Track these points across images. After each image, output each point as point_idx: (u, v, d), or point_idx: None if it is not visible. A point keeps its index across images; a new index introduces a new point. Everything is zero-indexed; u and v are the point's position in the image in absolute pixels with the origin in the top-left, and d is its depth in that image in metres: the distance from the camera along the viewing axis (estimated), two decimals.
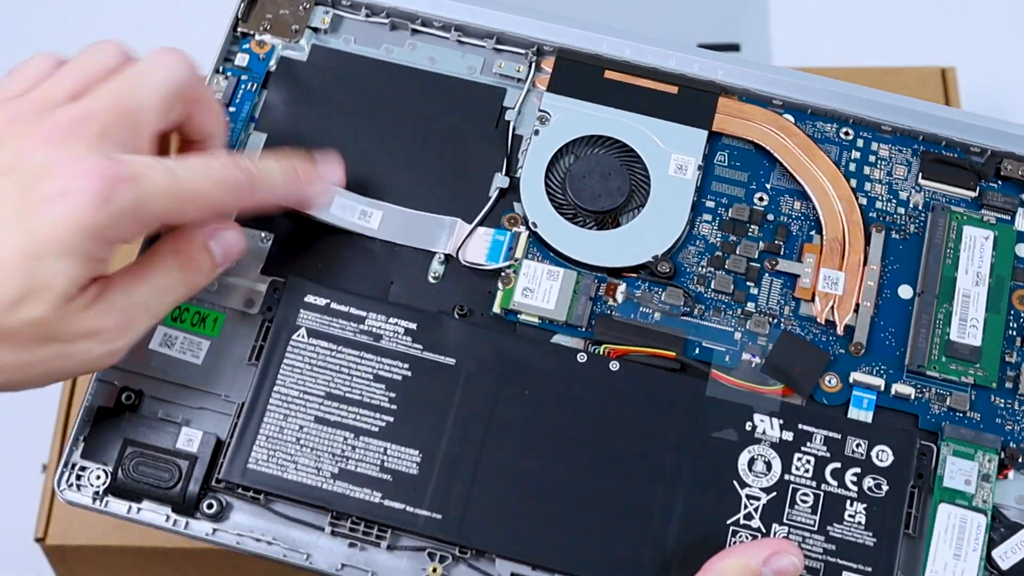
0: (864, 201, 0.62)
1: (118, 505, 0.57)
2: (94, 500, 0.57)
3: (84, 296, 0.51)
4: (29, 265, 0.49)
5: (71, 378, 0.53)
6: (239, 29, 0.65)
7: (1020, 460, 0.58)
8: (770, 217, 0.62)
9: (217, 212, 0.56)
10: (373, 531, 0.56)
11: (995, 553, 0.56)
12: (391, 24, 0.65)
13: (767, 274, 0.61)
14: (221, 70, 0.64)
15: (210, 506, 0.56)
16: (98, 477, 0.57)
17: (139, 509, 0.57)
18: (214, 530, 0.56)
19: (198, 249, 0.56)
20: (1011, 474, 0.58)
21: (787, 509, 0.56)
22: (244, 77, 0.64)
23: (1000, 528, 0.57)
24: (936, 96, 0.91)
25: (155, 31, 0.84)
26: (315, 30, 0.65)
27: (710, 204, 0.62)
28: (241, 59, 0.64)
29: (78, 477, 0.57)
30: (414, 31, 0.65)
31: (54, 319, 0.50)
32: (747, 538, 0.55)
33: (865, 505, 0.56)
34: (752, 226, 0.62)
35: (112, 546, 0.83)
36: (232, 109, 0.63)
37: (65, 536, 0.83)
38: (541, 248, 0.61)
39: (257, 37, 0.65)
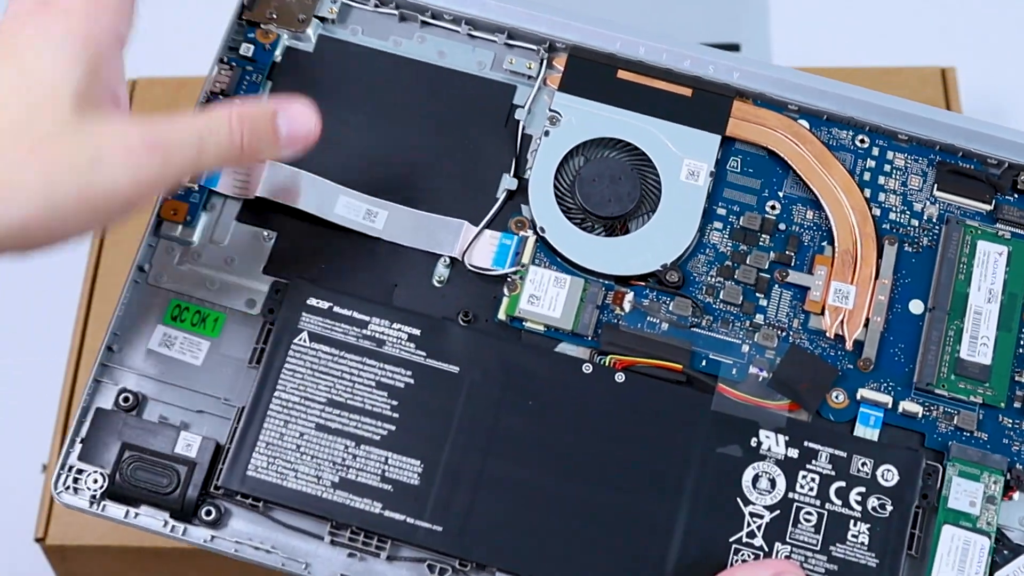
0: (878, 212, 0.61)
1: (115, 509, 0.56)
2: (91, 504, 0.56)
3: (107, 110, 0.50)
4: (22, 79, 0.49)
5: (103, 211, 0.50)
6: (244, 17, 0.63)
7: None
8: (782, 226, 0.61)
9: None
10: (373, 542, 0.55)
11: (998, 575, 0.56)
12: (400, 15, 0.64)
13: (777, 285, 0.60)
14: (225, 60, 0.62)
15: (208, 513, 0.56)
16: (95, 480, 0.56)
17: (136, 514, 0.56)
18: (212, 537, 0.56)
19: (258, 113, 0.53)
20: (1016, 496, 0.57)
21: (790, 528, 0.56)
22: (249, 68, 0.62)
23: (1003, 551, 0.56)
24: (936, 96, 0.90)
25: (159, 18, 0.82)
26: (322, 20, 0.63)
27: (721, 211, 0.61)
28: (246, 49, 0.62)
29: (75, 480, 0.56)
30: (424, 23, 0.64)
31: (71, 129, 0.49)
32: (749, 557, 0.55)
33: (869, 525, 0.56)
34: (763, 235, 0.61)
35: (112, 546, 0.83)
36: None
37: (65, 536, 0.83)
38: (548, 254, 0.60)
39: (263, 26, 0.63)
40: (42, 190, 0.48)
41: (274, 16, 0.63)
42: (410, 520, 0.55)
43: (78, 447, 0.56)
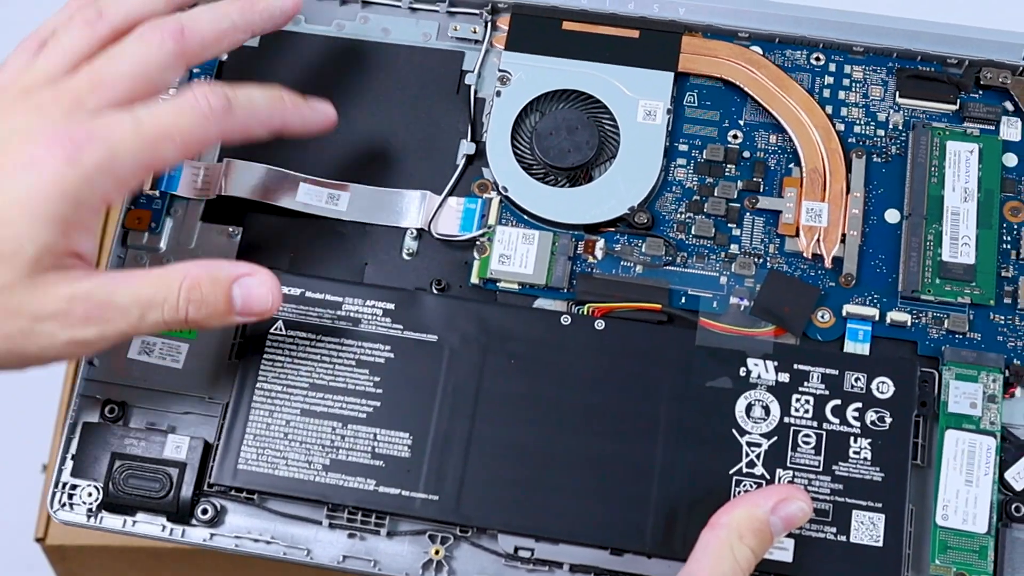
0: (842, 127, 0.60)
1: (112, 520, 0.56)
2: (88, 517, 0.56)
3: (59, 272, 0.50)
4: None
5: (31, 365, 0.52)
6: None
7: None
8: (746, 154, 0.60)
9: (199, 144, 0.54)
10: (371, 519, 0.55)
11: (1008, 475, 0.55)
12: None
13: (748, 213, 0.59)
14: None
15: (205, 511, 0.56)
16: (90, 494, 0.56)
17: (134, 522, 0.56)
18: (211, 535, 0.56)
19: (212, 283, 0.53)
20: (1018, 392, 0.56)
21: (790, 453, 0.55)
22: (197, 70, 0.62)
23: (1011, 448, 0.55)
24: None
25: None
26: None
27: (683, 148, 0.60)
28: None
29: (70, 496, 0.56)
30: (364, 3, 0.64)
31: (21, 287, 0.50)
32: (751, 487, 0.54)
33: (869, 440, 0.55)
34: (728, 165, 0.60)
35: (112, 546, 0.83)
36: None
37: (65, 536, 0.83)
38: (514, 212, 0.59)
39: None
40: None
41: None
42: (405, 493, 0.55)
43: (69, 463, 0.56)
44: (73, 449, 0.57)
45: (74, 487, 0.56)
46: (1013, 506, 0.54)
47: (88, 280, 0.51)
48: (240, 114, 0.55)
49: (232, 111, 0.54)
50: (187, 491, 0.55)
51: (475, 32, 0.63)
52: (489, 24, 0.63)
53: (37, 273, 0.50)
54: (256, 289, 0.53)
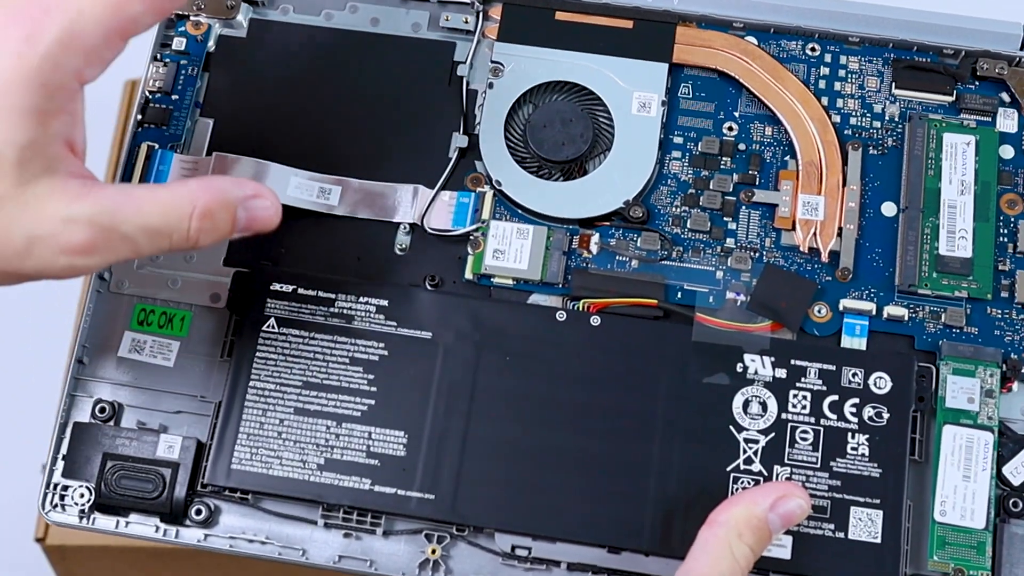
0: (838, 119, 0.59)
1: (105, 521, 0.55)
2: (80, 518, 0.55)
3: (51, 178, 0.46)
4: None
5: (28, 281, 0.48)
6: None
7: (1023, 372, 0.56)
8: (741, 147, 0.59)
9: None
10: (367, 519, 0.55)
11: (1006, 469, 0.55)
12: None
13: (744, 207, 0.59)
14: (159, 57, 0.61)
15: (199, 512, 0.55)
16: (82, 495, 0.55)
17: (127, 523, 0.55)
18: (206, 536, 0.55)
19: (222, 208, 0.50)
20: (1015, 386, 0.56)
21: (787, 449, 0.54)
22: (184, 62, 0.61)
23: (1009, 443, 0.55)
24: None
25: None
26: (252, 3, 0.62)
27: (678, 140, 0.60)
28: (179, 43, 0.62)
29: (62, 497, 0.56)
30: None
31: (11, 200, 0.45)
32: (749, 483, 0.54)
33: (867, 436, 0.54)
34: (724, 158, 0.59)
35: (112, 546, 0.83)
36: (175, 97, 0.61)
37: (65, 536, 0.83)
38: (508, 206, 0.59)
39: (192, 18, 0.62)
40: None
41: (203, 6, 0.62)
42: (401, 492, 0.54)
43: (60, 464, 0.56)
44: (64, 449, 0.56)
45: (66, 488, 0.56)
46: (1011, 501, 0.54)
47: (89, 199, 0.47)
48: None
49: None
50: (180, 491, 0.55)
51: (467, 22, 0.62)
52: (481, 14, 0.62)
53: (25, 181, 0.46)
54: (261, 212, 0.51)
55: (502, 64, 0.60)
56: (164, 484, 0.55)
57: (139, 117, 0.60)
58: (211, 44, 0.62)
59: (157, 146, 0.59)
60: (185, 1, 0.52)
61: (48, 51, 0.46)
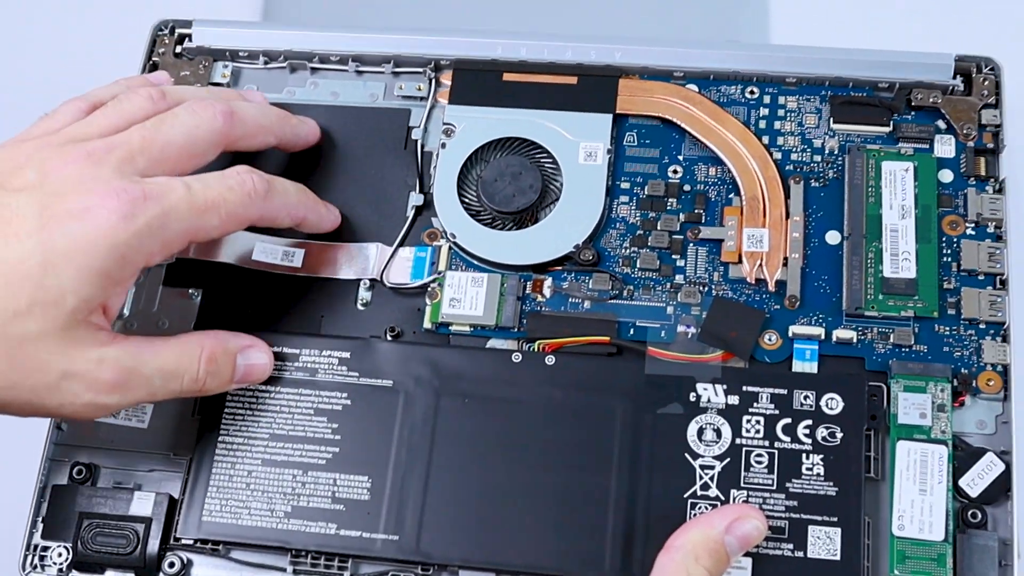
0: (779, 155, 0.61)
1: None
2: None
3: (89, 329, 0.52)
4: (41, 276, 0.50)
5: (49, 417, 0.56)
6: None
7: (974, 385, 0.56)
8: (687, 188, 0.61)
9: (238, 220, 0.56)
10: (334, 563, 0.56)
11: (962, 482, 0.55)
12: (290, 67, 0.66)
13: (691, 244, 0.60)
14: None
15: (172, 565, 0.56)
16: (60, 555, 0.57)
17: None
18: None
19: (224, 355, 0.56)
20: (967, 400, 0.56)
21: (743, 473, 0.55)
22: None
23: (963, 456, 0.55)
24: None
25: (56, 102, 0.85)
26: (217, 86, 0.66)
27: (625, 185, 0.62)
28: None
29: (41, 558, 0.57)
30: (313, 70, 0.66)
31: (54, 339, 0.50)
32: (707, 508, 0.55)
33: (821, 456, 0.55)
34: (670, 199, 0.61)
35: None
36: None
37: None
38: (463, 257, 0.61)
39: None
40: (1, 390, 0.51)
41: None
42: (366, 535, 0.55)
43: (40, 526, 0.58)
44: (43, 512, 0.58)
45: (45, 549, 0.57)
46: (969, 512, 0.54)
47: (116, 345, 0.52)
48: (276, 200, 0.57)
49: (270, 195, 0.57)
50: (153, 546, 0.56)
51: (420, 89, 0.65)
52: (433, 81, 0.65)
53: (71, 326, 0.51)
54: (257, 360, 0.57)
55: (454, 125, 0.63)
56: (138, 539, 0.56)
57: None
58: None
59: None
60: (248, 223, 0.57)
61: (137, 232, 0.51)
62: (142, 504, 0.57)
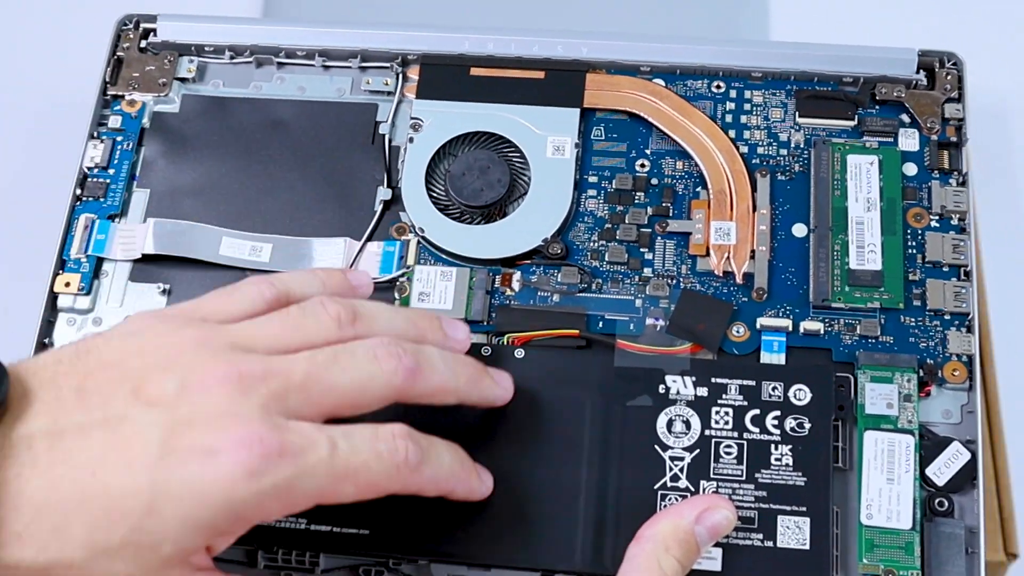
0: (745, 149, 0.62)
1: None
2: None
3: (186, 571, 0.45)
4: (143, 517, 0.44)
5: None
6: (108, 92, 0.65)
7: (940, 375, 0.57)
8: (654, 181, 0.62)
9: (376, 491, 0.49)
10: (306, 557, 0.56)
11: (929, 471, 0.55)
12: (256, 61, 0.66)
13: (659, 237, 0.61)
14: (96, 135, 0.64)
15: None
16: None
17: None
18: None
19: None
20: (933, 390, 0.57)
21: (712, 464, 0.55)
22: (119, 138, 0.64)
23: (930, 445, 0.56)
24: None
25: (25, 97, 0.84)
26: (183, 80, 0.66)
27: (593, 179, 0.62)
28: (114, 121, 0.65)
29: None
30: (280, 64, 0.66)
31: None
32: (677, 500, 0.55)
33: (790, 446, 0.55)
34: (638, 193, 0.62)
35: None
36: (111, 171, 0.64)
37: None
38: (432, 252, 0.61)
39: (127, 97, 0.65)
40: None
41: (137, 86, 0.65)
42: (336, 529, 0.55)
43: None
44: None
45: None
46: (936, 501, 0.55)
47: None
48: (426, 473, 0.50)
49: (421, 467, 0.49)
50: None
51: (387, 84, 0.65)
52: (400, 75, 0.65)
53: (161, 571, 0.45)
54: None
55: (421, 120, 0.63)
56: None
57: (78, 192, 0.63)
58: (145, 120, 0.65)
59: (96, 218, 0.62)
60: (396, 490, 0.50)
61: (260, 491, 0.45)
62: None
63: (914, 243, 0.59)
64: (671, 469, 0.55)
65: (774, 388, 0.56)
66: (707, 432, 0.56)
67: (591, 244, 0.61)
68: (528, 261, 0.60)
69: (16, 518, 0.43)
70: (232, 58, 0.66)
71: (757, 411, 0.56)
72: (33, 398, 0.45)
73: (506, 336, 0.58)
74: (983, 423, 0.61)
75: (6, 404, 0.44)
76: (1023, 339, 0.73)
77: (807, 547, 0.54)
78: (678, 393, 0.56)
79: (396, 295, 0.60)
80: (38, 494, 0.43)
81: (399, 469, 0.48)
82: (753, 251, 0.60)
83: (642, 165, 0.62)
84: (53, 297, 0.61)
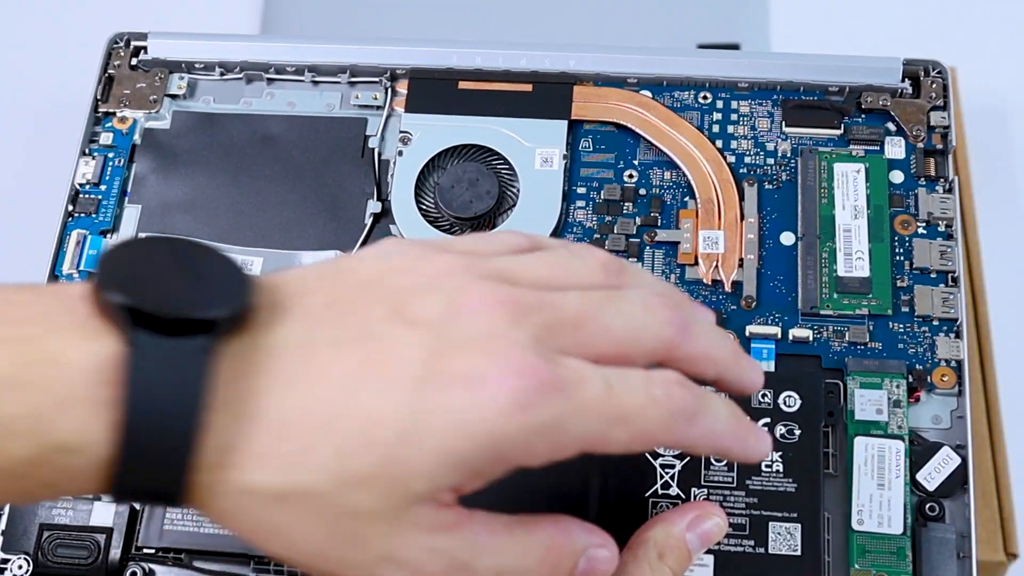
0: (732, 159, 0.62)
1: None
2: None
3: (434, 510, 0.40)
4: (397, 446, 0.39)
5: None
6: (100, 110, 0.66)
7: (929, 381, 0.57)
8: (642, 192, 0.62)
9: (648, 442, 0.43)
10: (297, 571, 0.55)
11: (920, 476, 0.56)
12: (247, 78, 0.66)
13: (648, 247, 0.61)
14: (87, 152, 0.65)
15: (134, 574, 0.56)
16: (20, 567, 0.57)
17: None
18: None
19: (569, 555, 0.44)
20: (923, 395, 0.57)
21: (703, 471, 0.56)
22: (111, 155, 0.65)
23: (920, 450, 0.56)
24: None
25: (16, 115, 0.85)
26: (174, 97, 0.66)
27: (581, 190, 0.62)
28: (106, 138, 0.65)
29: (1, 571, 0.57)
30: (269, 80, 0.66)
31: (386, 518, 0.40)
32: (668, 507, 0.55)
33: (781, 453, 0.56)
34: (626, 203, 0.62)
35: None
36: (103, 187, 0.64)
37: None
38: None
39: (118, 114, 0.66)
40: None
41: (128, 103, 0.66)
42: None
43: (0, 539, 0.57)
44: (2, 524, 0.57)
45: (5, 561, 0.57)
46: (927, 506, 0.55)
47: (455, 532, 0.41)
48: (702, 426, 0.44)
49: (697, 419, 0.43)
50: (115, 556, 0.56)
51: (376, 98, 0.65)
52: (389, 90, 0.65)
53: (410, 507, 0.40)
54: (601, 565, 0.45)
55: (410, 133, 0.64)
56: (99, 550, 0.56)
57: (70, 208, 0.63)
58: (136, 137, 0.65)
59: (88, 234, 0.62)
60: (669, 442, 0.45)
61: (529, 428, 0.40)
62: (103, 514, 0.57)
63: (902, 250, 0.60)
64: (662, 477, 0.56)
65: (764, 395, 0.56)
66: None
67: None
68: None
69: (261, 437, 0.38)
70: (222, 74, 0.67)
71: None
72: (282, 309, 0.40)
73: None
74: (984, 423, 0.61)
75: (253, 311, 0.39)
76: (1023, 340, 0.74)
77: (799, 553, 0.54)
78: None
79: None
80: (287, 411, 0.39)
81: (674, 417, 0.43)
82: (741, 260, 0.60)
83: (630, 176, 0.63)
84: None
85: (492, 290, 0.41)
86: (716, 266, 0.60)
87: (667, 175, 0.62)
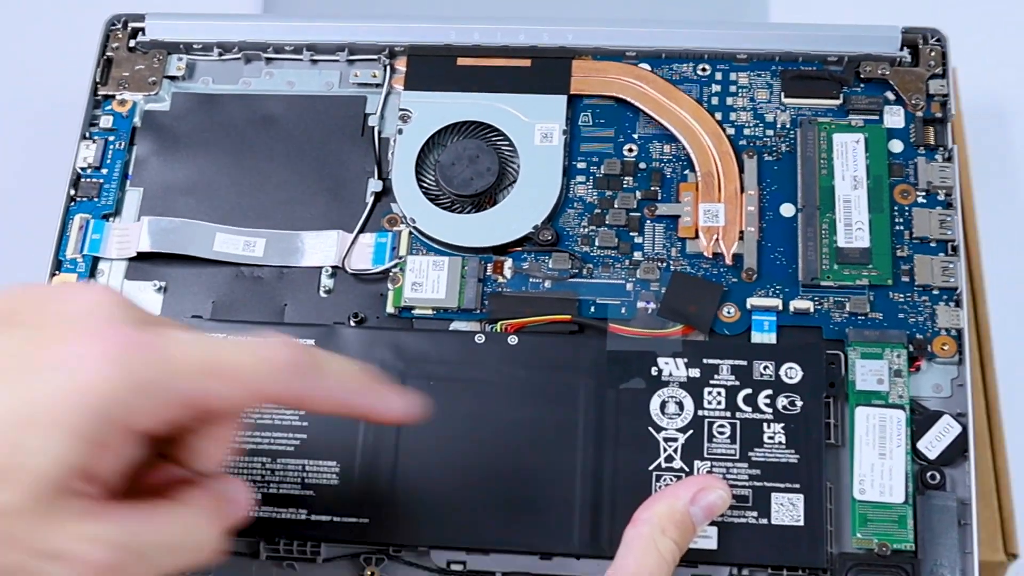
0: (732, 131, 0.62)
1: None
2: None
3: (75, 500, 0.41)
4: (10, 436, 0.40)
5: None
6: (99, 93, 0.66)
7: (929, 350, 0.57)
8: (642, 165, 0.62)
9: (260, 394, 0.46)
10: (307, 547, 0.56)
11: (920, 444, 0.56)
12: (245, 58, 0.66)
13: (648, 221, 0.61)
14: (88, 135, 0.65)
15: None
16: None
17: None
18: None
19: (228, 511, 0.47)
20: (923, 365, 0.58)
21: (706, 444, 0.56)
22: (111, 138, 0.65)
23: (921, 419, 0.56)
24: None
25: (16, 100, 0.85)
26: (173, 78, 0.66)
27: (581, 165, 0.63)
28: (106, 121, 0.65)
29: None
30: (268, 60, 0.66)
31: (25, 513, 0.40)
32: (672, 480, 0.56)
33: (783, 424, 0.56)
34: (626, 178, 0.62)
35: None
36: (104, 171, 0.64)
37: None
38: (424, 242, 0.61)
39: (118, 96, 0.66)
40: None
41: (127, 85, 0.66)
42: (336, 519, 0.56)
43: None
44: None
45: None
46: (928, 474, 0.56)
47: (109, 518, 0.42)
48: (322, 381, 0.46)
49: (313, 374, 0.46)
50: None
51: (375, 76, 0.65)
52: (388, 67, 0.65)
53: (48, 499, 0.40)
54: (240, 496, 0.49)
55: (410, 111, 0.64)
56: None
57: (72, 192, 0.64)
58: (136, 119, 0.65)
59: (91, 218, 0.63)
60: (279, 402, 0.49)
61: (128, 385, 0.42)
62: None
63: (901, 219, 0.60)
64: (665, 450, 0.56)
65: (765, 367, 0.57)
66: (700, 412, 0.56)
67: (581, 230, 0.61)
68: (519, 248, 0.61)
69: None
70: (221, 55, 0.67)
71: (749, 390, 0.57)
72: None
73: (499, 323, 0.59)
74: (984, 423, 0.62)
75: None
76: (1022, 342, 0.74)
77: (801, 523, 0.55)
78: (670, 375, 0.57)
79: (389, 285, 0.60)
80: None
81: (282, 372, 0.45)
82: (742, 232, 0.60)
83: (630, 150, 0.63)
84: None
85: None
86: (717, 239, 0.60)
87: (667, 148, 0.63)
